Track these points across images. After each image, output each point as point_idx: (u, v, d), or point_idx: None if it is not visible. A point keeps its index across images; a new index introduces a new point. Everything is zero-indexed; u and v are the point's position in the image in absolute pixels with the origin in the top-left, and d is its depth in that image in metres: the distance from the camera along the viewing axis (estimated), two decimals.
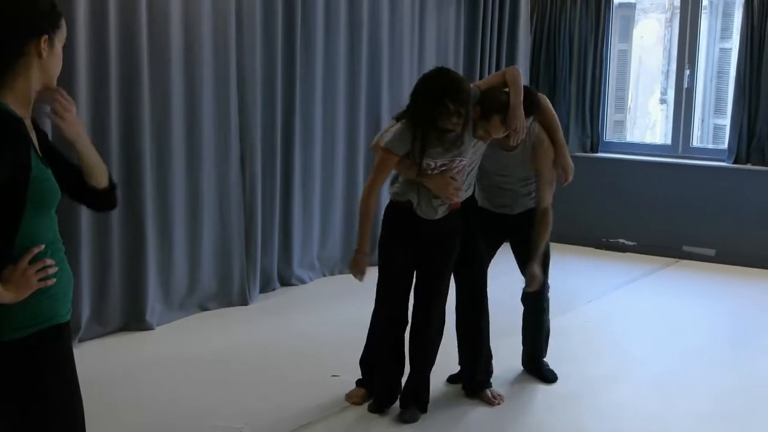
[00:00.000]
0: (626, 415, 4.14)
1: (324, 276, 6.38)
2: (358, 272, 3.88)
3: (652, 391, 4.44)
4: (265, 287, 5.89)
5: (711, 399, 4.37)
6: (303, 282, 6.17)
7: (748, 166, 7.12)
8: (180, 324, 5.23)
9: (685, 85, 7.47)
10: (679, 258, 7.34)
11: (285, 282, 6.08)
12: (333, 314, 5.51)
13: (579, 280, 6.62)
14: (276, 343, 4.96)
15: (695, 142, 7.85)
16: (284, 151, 5.97)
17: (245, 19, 5.51)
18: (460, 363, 4.26)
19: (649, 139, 10.99)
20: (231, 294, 5.58)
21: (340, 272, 6.39)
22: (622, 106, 12.08)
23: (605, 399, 4.33)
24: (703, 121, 10.83)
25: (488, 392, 4.16)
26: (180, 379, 4.37)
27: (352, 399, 4.09)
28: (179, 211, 5.29)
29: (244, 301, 5.60)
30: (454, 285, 4.10)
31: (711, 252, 7.25)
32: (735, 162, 7.17)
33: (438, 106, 3.57)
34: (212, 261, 5.52)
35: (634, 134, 11.88)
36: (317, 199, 6.30)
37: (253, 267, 5.69)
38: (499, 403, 4.13)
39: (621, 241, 7.62)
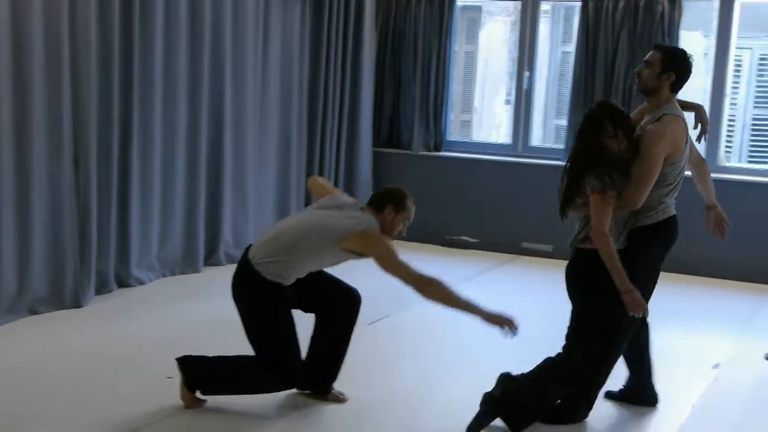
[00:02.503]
0: (457, 414, 4.18)
1: (164, 276, 6.25)
2: (642, 308, 3.77)
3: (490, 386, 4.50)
4: (101, 289, 5.72)
5: None
6: (142, 283, 6.03)
7: None
8: (7, 329, 5.01)
9: (525, 87, 7.70)
10: (518, 254, 7.56)
11: (123, 283, 5.93)
12: (172, 315, 5.41)
13: None
14: (107, 347, 4.81)
15: (535, 141, 8.10)
16: (121, 150, 5.81)
17: (79, 20, 5.34)
18: None
19: (494, 139, 11.25)
20: (63, 296, 5.39)
21: (182, 272, 6.29)
22: (468, 106, 12.35)
23: (441, 397, 4.39)
24: (546, 121, 11.19)
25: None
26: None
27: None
28: (7, 212, 5.08)
29: (77, 304, 5.41)
30: None
31: (548, 248, 7.50)
32: None
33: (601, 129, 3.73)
34: (43, 263, 5.32)
35: (481, 134, 12.15)
36: (157, 198, 6.17)
37: (87, 268, 5.52)
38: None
39: (464, 238, 7.78)
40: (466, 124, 12.50)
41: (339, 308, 4.11)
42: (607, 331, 3.85)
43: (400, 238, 4.01)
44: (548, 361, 3.92)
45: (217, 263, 6.62)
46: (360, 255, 3.83)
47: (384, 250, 3.78)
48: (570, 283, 3.98)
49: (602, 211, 3.71)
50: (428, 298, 3.77)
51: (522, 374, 3.90)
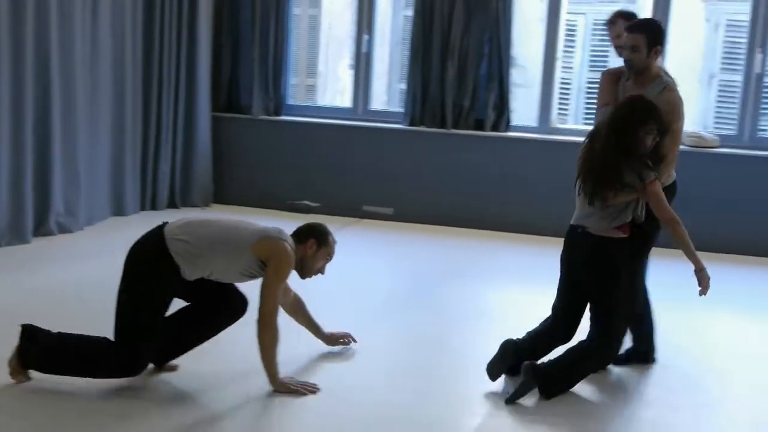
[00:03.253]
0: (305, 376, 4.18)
1: None
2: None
3: (327, 349, 4.53)
4: None
5: (385, 354, 4.52)
6: None
7: (422, 128, 7.49)
8: None
9: (364, 51, 7.71)
10: (360, 218, 7.61)
11: None
12: None
13: None
14: None
15: (379, 105, 8.14)
16: None
17: None
18: None
19: (340, 103, 11.25)
20: None
21: (8, 244, 6.03)
22: (313, 71, 12.28)
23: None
24: (390, 85, 11.27)
25: None
26: None
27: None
28: None
29: None
30: None
31: (389, 211, 7.58)
32: (411, 124, 7.51)
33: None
34: None
35: (326, 98, 12.13)
36: None
37: None
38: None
39: (306, 202, 7.76)
40: (311, 89, 12.45)
41: (220, 307, 3.94)
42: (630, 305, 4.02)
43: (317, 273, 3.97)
44: (583, 348, 3.96)
45: (48, 233, 6.37)
46: (262, 267, 3.72)
47: (281, 271, 3.71)
48: (590, 268, 3.95)
49: (662, 197, 3.82)
50: (259, 337, 3.71)
51: (554, 361, 3.95)
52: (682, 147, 7.10)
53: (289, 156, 7.81)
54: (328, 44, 11.94)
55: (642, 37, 4.13)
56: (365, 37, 7.69)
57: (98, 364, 3.71)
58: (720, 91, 11.27)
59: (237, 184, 7.92)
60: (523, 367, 3.86)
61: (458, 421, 3.70)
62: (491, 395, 3.93)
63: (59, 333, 3.77)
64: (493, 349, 4.03)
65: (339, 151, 7.71)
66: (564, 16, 7.55)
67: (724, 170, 6.97)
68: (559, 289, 4.10)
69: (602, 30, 6.01)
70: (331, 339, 4.40)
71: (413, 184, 7.54)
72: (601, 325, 3.93)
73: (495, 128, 7.36)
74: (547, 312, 4.12)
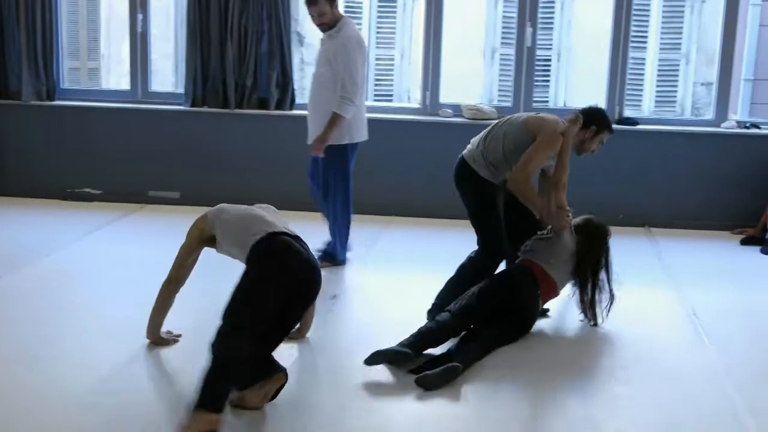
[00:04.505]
0: (65, 370, 4.03)
1: None
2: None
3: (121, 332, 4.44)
4: None
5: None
6: None
7: (205, 109, 7.33)
8: None
9: (139, 30, 7.44)
10: (145, 203, 7.38)
11: None
12: None
13: (39, 234, 6.37)
14: None
15: (163, 87, 7.88)
16: None
17: None
18: None
19: (125, 86, 10.89)
20: None
21: None
22: (96, 53, 11.82)
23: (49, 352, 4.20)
24: (177, 66, 10.98)
25: None
26: None
27: None
28: None
29: None
30: None
31: (176, 195, 7.39)
32: (192, 105, 7.33)
33: None
34: None
35: (110, 82, 11.72)
36: None
37: None
38: None
39: (87, 190, 7.45)
40: (95, 72, 11.98)
41: None
42: None
43: None
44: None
45: None
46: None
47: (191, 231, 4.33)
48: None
49: None
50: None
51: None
52: (461, 120, 7.38)
53: (67, 143, 7.46)
54: (109, 26, 11.52)
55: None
56: (139, 16, 7.41)
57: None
58: (502, 64, 11.73)
59: (12, 174, 7.49)
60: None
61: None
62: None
63: None
64: None
65: (120, 136, 7.43)
66: None
67: None
68: None
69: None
70: None
71: (199, 166, 7.38)
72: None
73: (279, 107, 7.29)
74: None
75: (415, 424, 3.61)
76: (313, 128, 5.62)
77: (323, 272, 3.98)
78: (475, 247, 4.77)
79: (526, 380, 4.05)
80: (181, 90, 7.52)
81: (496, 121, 4.94)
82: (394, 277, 5.73)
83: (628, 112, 7.47)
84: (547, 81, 12.41)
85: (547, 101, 11.87)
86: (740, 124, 7.26)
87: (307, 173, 5.80)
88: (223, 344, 3.44)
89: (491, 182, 4.69)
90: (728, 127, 7.17)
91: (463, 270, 4.76)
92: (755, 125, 7.26)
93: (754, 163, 7.01)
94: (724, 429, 3.60)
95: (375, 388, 3.89)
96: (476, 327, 4.33)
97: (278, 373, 3.63)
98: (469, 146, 4.87)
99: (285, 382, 3.64)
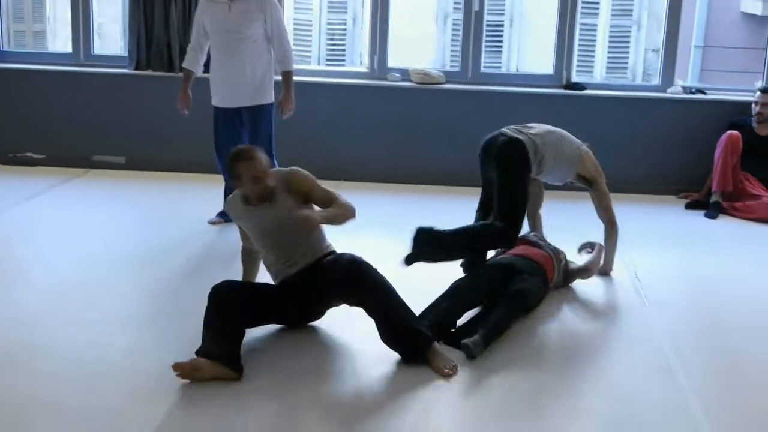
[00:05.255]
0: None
1: None
2: None
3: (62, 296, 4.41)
4: None
5: (119, 303, 4.45)
6: None
7: (149, 72, 7.21)
8: None
9: None
10: (89, 168, 7.26)
11: None
12: None
13: None
14: None
15: (111, 50, 7.73)
16: None
17: None
18: None
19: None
20: None
21: None
22: (41, 16, 11.61)
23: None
24: (125, 29, 10.80)
25: None
26: None
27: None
28: None
29: None
30: None
31: (121, 159, 7.29)
32: (137, 68, 7.20)
33: None
34: None
35: (56, 45, 11.52)
36: None
37: None
38: None
39: (29, 154, 7.31)
40: (40, 35, 11.77)
41: None
42: None
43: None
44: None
45: None
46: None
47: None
48: None
49: None
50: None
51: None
52: (409, 84, 7.32)
53: (8, 106, 7.31)
54: None
55: None
56: None
57: None
58: (454, 29, 11.69)
59: None
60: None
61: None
62: None
63: None
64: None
65: (63, 100, 7.29)
66: None
67: (449, 105, 7.21)
68: None
69: None
70: None
71: (145, 131, 7.27)
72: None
73: None
74: None
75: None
76: (250, 88, 5.61)
77: None
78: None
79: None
80: (116, 52, 7.37)
81: (547, 128, 5.04)
82: (344, 240, 5.70)
83: (579, 78, 7.49)
84: (500, 46, 12.41)
85: (499, 66, 11.88)
86: (686, 89, 7.31)
87: (221, 140, 5.74)
88: None
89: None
90: (674, 92, 7.21)
91: (477, 232, 4.73)
92: (700, 90, 7.32)
93: (699, 128, 7.06)
94: (660, 390, 3.64)
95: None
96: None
97: (237, 372, 3.61)
98: (518, 133, 4.86)
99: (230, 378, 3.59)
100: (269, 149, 5.67)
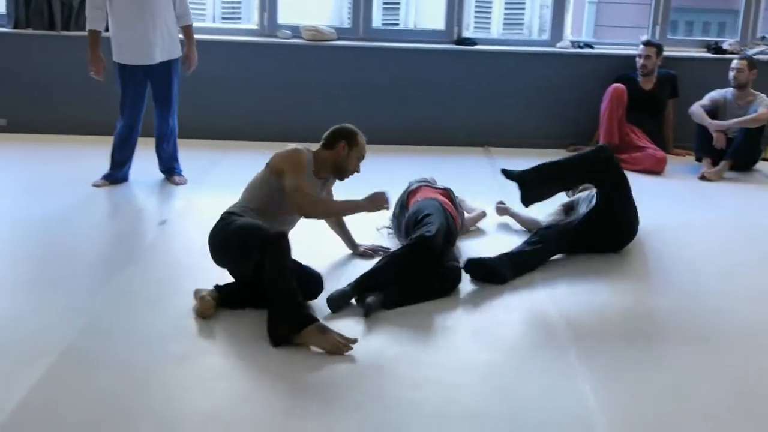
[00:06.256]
0: None
1: None
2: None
3: None
4: None
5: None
6: None
7: (30, 31, 6.96)
8: None
9: None
10: None
11: None
12: None
13: None
14: None
15: None
16: None
17: None
18: None
19: None
20: None
21: None
22: None
23: None
24: None
25: None
26: None
27: None
28: None
29: None
30: None
31: (2, 122, 7.05)
32: (15, 27, 6.94)
33: None
34: None
35: None
36: None
37: None
38: None
39: None
40: None
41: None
42: None
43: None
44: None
45: None
46: (279, 177, 3.87)
47: (296, 168, 3.86)
48: None
49: None
50: (320, 215, 4.17)
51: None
52: (300, 41, 7.23)
53: None
54: None
55: None
56: None
57: None
58: None
59: None
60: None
61: None
62: None
63: None
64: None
65: None
66: None
67: (340, 62, 7.16)
68: None
69: None
70: (359, 249, 4.55)
71: (26, 92, 7.03)
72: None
73: (109, 29, 6.96)
74: None
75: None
76: (165, 43, 5.58)
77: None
78: None
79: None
80: (4, 11, 7.09)
81: None
82: (231, 201, 5.62)
83: (476, 34, 7.53)
84: (397, 3, 12.34)
85: (397, 23, 11.82)
86: (574, 44, 7.41)
87: (131, 99, 5.65)
88: None
89: None
90: (563, 47, 7.30)
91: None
92: (588, 45, 7.42)
93: (588, 83, 7.17)
94: (549, 351, 3.60)
95: None
96: None
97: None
98: None
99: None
100: (174, 105, 5.70)
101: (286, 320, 3.46)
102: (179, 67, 5.73)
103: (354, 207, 4.10)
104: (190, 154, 6.13)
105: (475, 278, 4.24)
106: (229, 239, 3.77)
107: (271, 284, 3.51)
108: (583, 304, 4.09)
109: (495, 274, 4.25)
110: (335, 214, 4.41)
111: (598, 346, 3.60)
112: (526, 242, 4.59)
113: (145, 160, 5.89)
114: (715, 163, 6.64)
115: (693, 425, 3.04)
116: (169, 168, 5.88)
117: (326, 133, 4.14)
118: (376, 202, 4.03)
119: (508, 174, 4.62)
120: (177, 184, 5.81)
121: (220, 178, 6.06)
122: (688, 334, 3.78)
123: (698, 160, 6.82)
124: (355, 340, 3.46)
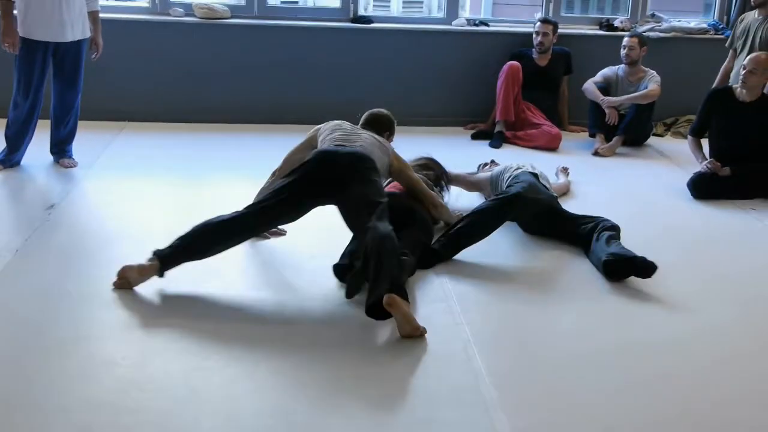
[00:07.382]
0: None
1: None
2: None
3: None
4: None
5: None
6: None
7: None
8: None
9: None
10: None
11: None
12: None
13: None
14: None
15: None
16: None
17: None
18: None
19: None
20: None
21: None
22: None
23: None
24: None
25: None
26: None
27: None
28: None
29: None
30: None
31: None
32: None
33: None
34: None
35: None
36: None
37: None
38: None
39: None
40: None
41: None
42: None
43: None
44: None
45: None
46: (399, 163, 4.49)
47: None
48: None
49: None
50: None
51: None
52: (193, 19, 7.07)
53: None
54: None
55: None
56: None
57: None
58: None
59: None
60: None
61: None
62: None
63: None
64: None
65: None
66: None
67: (234, 40, 7.03)
68: None
69: None
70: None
71: None
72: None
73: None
74: None
75: None
76: (78, 21, 5.45)
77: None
78: None
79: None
80: None
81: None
82: (125, 183, 5.48)
83: (375, 13, 7.49)
84: None
85: (296, 2, 11.69)
86: (470, 21, 7.44)
87: (36, 78, 5.45)
88: None
89: None
90: (458, 25, 7.32)
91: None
92: (484, 23, 7.47)
93: (484, 60, 7.22)
94: (446, 334, 3.62)
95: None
96: None
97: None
98: None
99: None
100: (80, 85, 5.59)
101: (400, 290, 3.42)
102: (86, 49, 5.60)
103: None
104: (79, 136, 5.93)
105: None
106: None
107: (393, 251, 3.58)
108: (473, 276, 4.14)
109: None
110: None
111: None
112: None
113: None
114: (607, 139, 6.77)
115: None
116: (61, 150, 5.67)
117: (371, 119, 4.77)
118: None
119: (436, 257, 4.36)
120: (66, 167, 5.63)
121: (110, 161, 5.89)
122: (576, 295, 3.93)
123: (592, 136, 6.94)
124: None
